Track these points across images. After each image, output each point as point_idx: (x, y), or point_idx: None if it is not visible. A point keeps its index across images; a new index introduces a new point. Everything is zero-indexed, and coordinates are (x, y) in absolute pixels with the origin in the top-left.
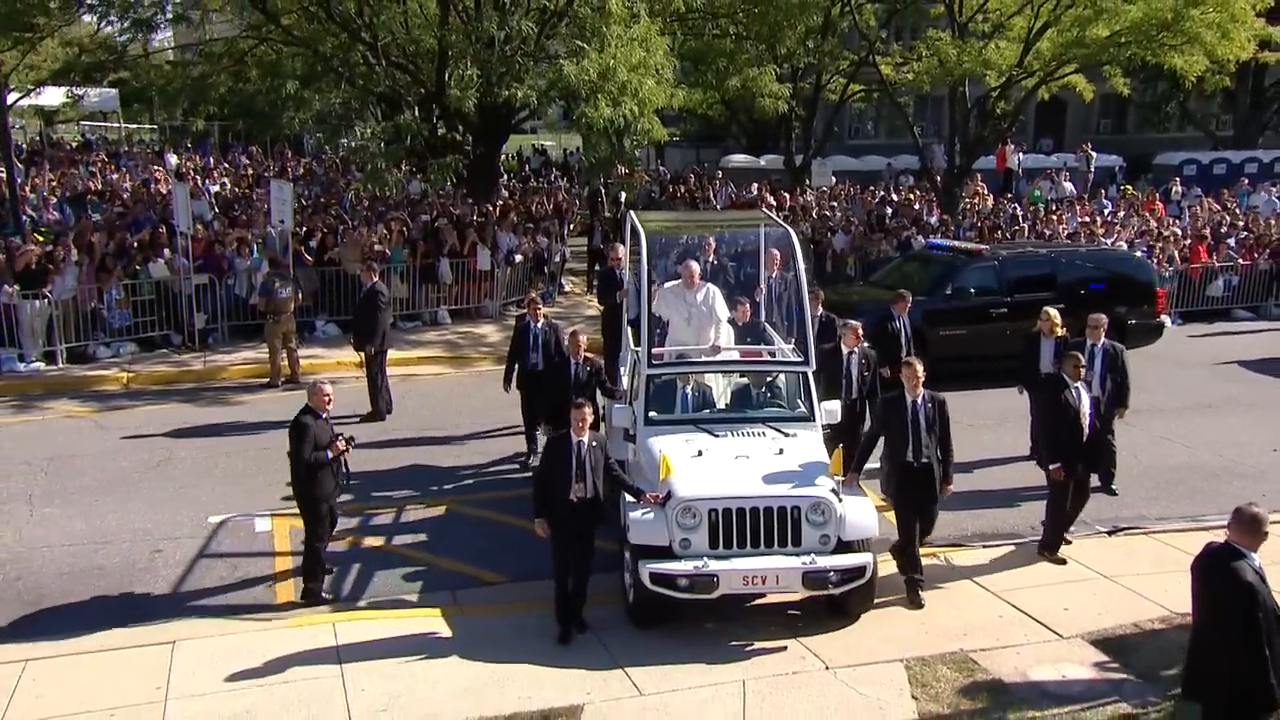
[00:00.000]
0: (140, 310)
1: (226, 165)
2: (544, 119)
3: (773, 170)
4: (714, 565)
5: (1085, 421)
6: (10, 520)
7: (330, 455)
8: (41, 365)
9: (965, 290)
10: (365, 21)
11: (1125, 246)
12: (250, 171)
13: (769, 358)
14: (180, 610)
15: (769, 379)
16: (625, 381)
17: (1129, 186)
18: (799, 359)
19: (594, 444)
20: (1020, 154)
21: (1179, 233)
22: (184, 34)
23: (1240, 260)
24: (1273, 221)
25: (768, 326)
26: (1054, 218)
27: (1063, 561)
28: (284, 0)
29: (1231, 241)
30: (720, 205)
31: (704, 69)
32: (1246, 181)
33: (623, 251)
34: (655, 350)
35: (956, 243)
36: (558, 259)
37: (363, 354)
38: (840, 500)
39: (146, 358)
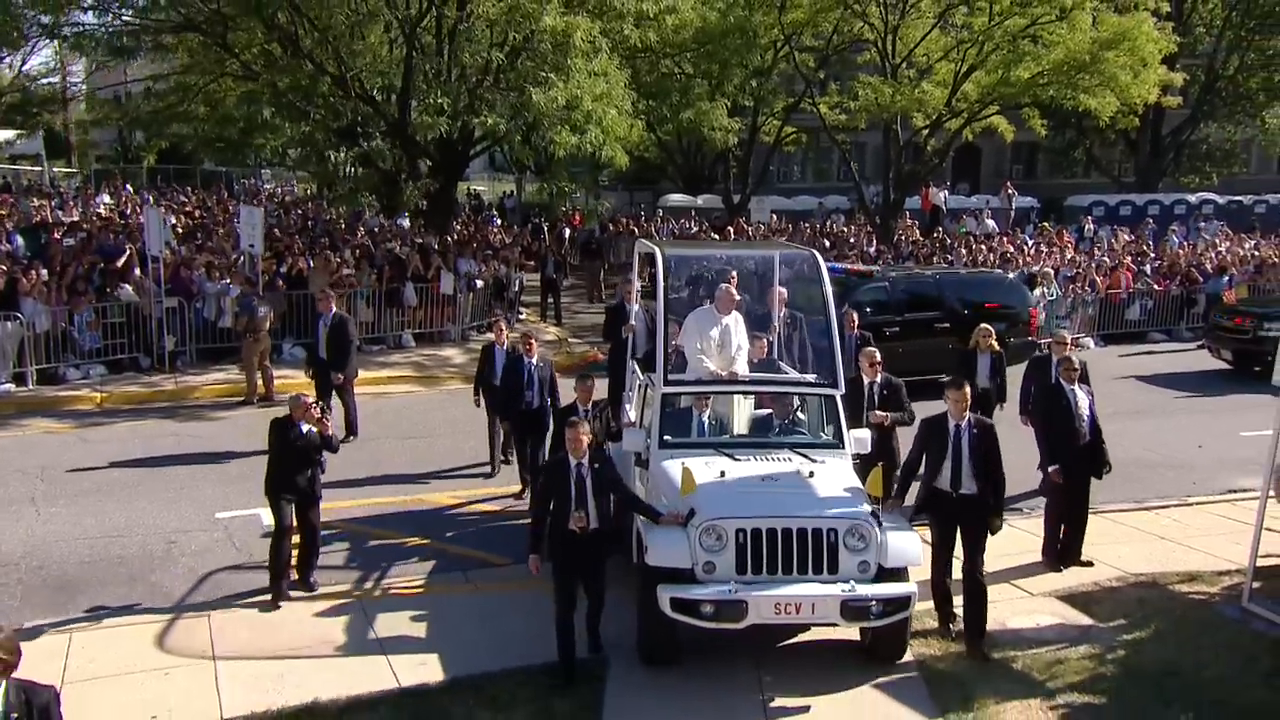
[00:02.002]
0: (110, 333)
1: (166, 202)
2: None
3: (710, 209)
4: (743, 591)
5: (1084, 425)
6: (20, 519)
7: (305, 430)
8: (12, 386)
9: (860, 309)
10: (330, 54)
11: (1052, 273)
12: (190, 209)
13: (792, 378)
14: (204, 592)
15: (793, 409)
16: (632, 414)
17: (1045, 224)
18: (826, 382)
19: (595, 465)
20: (945, 193)
21: (1107, 260)
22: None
23: (1155, 287)
24: (1181, 252)
25: (782, 364)
26: (984, 247)
27: (1086, 563)
28: (245, 35)
29: (1147, 269)
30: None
31: (658, 102)
32: (1151, 221)
33: (634, 285)
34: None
35: (849, 265)
36: (516, 287)
37: (341, 378)
38: (880, 525)
39: (116, 379)
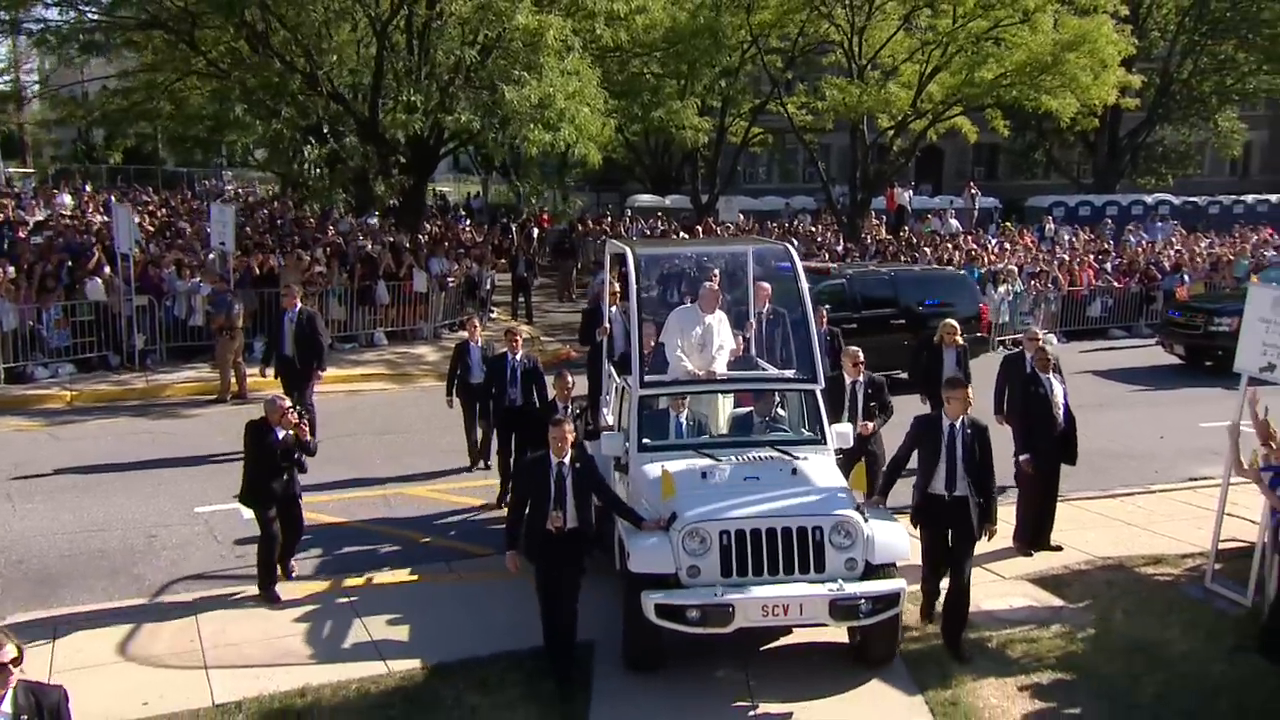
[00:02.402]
0: (78, 331)
1: (129, 202)
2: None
3: (678, 209)
4: (729, 595)
5: (1059, 413)
6: None
7: (281, 435)
8: None
9: (819, 306)
10: (300, 51)
11: (1015, 271)
12: (154, 208)
13: (771, 375)
14: (188, 584)
15: (773, 406)
16: (610, 418)
17: (1008, 224)
18: (805, 378)
19: (577, 465)
20: (910, 193)
21: (1068, 258)
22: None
23: (1115, 284)
24: (1140, 251)
25: (760, 361)
26: (950, 245)
27: (1055, 548)
28: (212, 33)
29: (1108, 267)
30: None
31: (629, 101)
32: (1109, 221)
33: (614, 286)
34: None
35: (806, 262)
36: (488, 285)
37: (321, 374)
38: (866, 520)
39: (86, 377)
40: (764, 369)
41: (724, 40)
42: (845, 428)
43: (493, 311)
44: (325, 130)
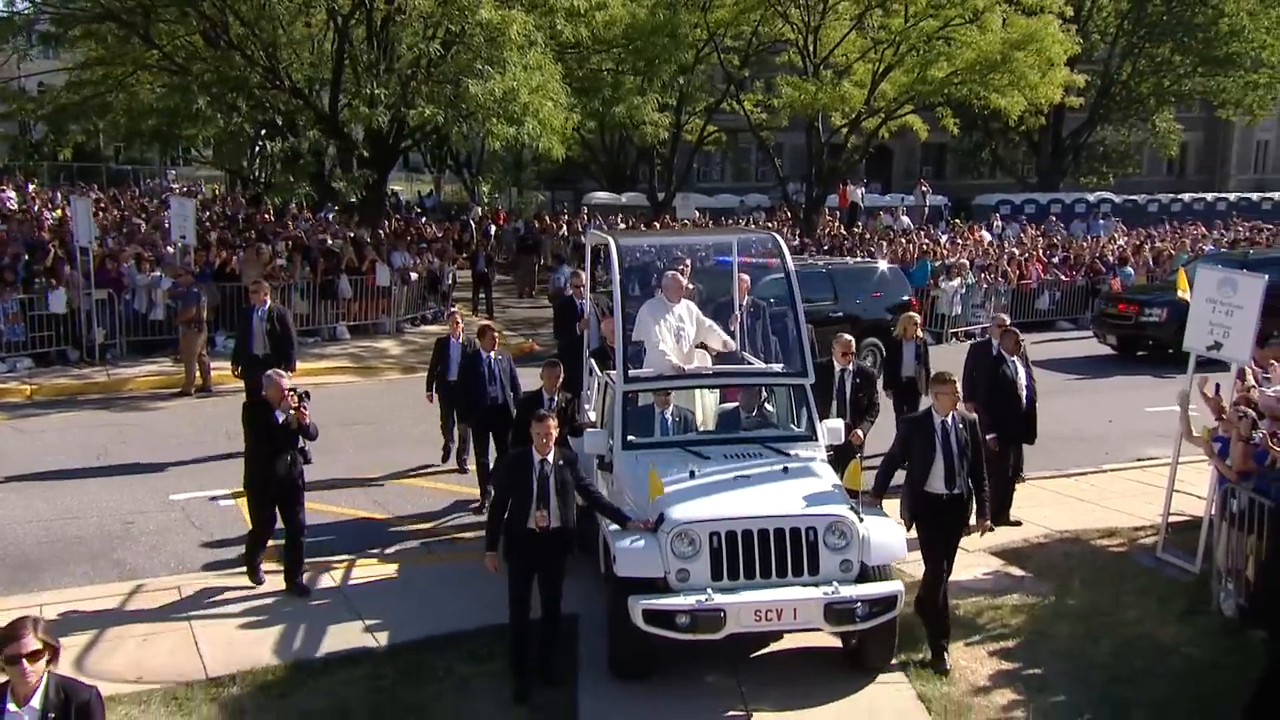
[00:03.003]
0: (36, 325)
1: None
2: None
3: (634, 207)
4: (720, 599)
5: (1023, 394)
6: None
7: (282, 418)
8: None
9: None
10: (259, 45)
11: (967, 264)
12: (104, 204)
13: (760, 369)
14: (170, 567)
15: (760, 400)
16: (591, 414)
17: (957, 220)
18: (795, 371)
19: (560, 462)
20: (862, 190)
21: (1017, 252)
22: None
23: (1063, 278)
24: (1085, 245)
25: (746, 355)
26: (904, 240)
27: (1014, 523)
28: (166, 27)
29: (1055, 261)
30: (571, 242)
31: (589, 97)
32: (1054, 218)
33: (584, 278)
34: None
35: (744, 257)
36: (449, 280)
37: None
38: (861, 520)
39: (45, 372)
40: (750, 362)
41: (682, 38)
42: (836, 423)
43: (453, 306)
44: (282, 125)
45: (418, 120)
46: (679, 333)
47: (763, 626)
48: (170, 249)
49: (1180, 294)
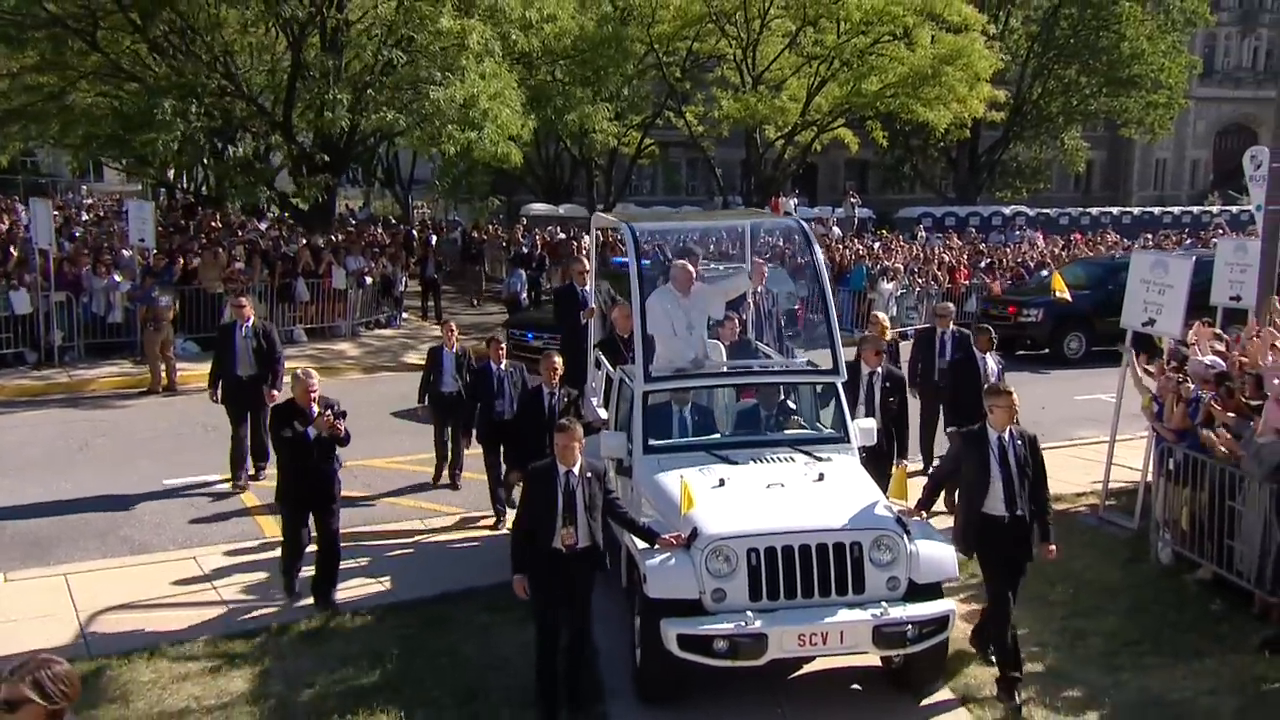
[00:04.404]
0: None
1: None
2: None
3: (572, 218)
4: (761, 622)
5: None
6: None
7: (314, 433)
8: None
9: None
10: (206, 49)
11: (901, 269)
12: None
13: (789, 367)
14: (177, 544)
15: (783, 398)
16: (598, 410)
17: (883, 231)
18: (827, 369)
19: (588, 475)
20: (794, 201)
21: (947, 258)
22: None
23: (989, 281)
24: (1008, 251)
25: (760, 345)
26: (841, 246)
27: None
28: (113, 33)
29: (982, 265)
30: (526, 249)
31: (541, 106)
32: (974, 230)
33: (586, 264)
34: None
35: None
36: (401, 286)
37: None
38: (908, 533)
39: (3, 373)
40: (765, 355)
41: (627, 50)
42: (869, 423)
43: (403, 314)
44: (234, 131)
45: (376, 125)
46: (690, 325)
47: (806, 652)
48: (127, 252)
49: (1056, 295)
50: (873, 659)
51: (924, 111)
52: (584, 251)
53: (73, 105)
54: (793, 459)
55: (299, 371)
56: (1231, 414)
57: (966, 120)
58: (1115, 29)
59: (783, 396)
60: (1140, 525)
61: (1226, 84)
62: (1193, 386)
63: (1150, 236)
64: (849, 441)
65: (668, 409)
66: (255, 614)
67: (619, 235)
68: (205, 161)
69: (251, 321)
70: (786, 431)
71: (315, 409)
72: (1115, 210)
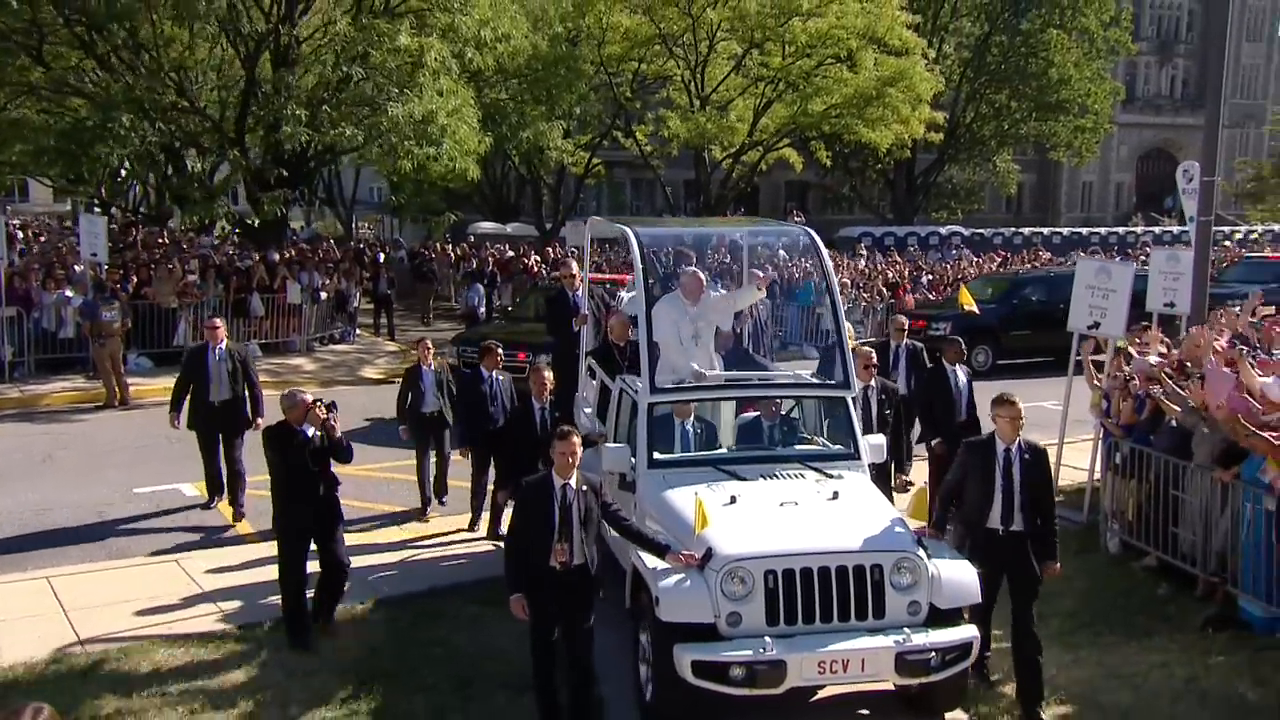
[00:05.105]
0: None
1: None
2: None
3: (520, 236)
4: (780, 649)
5: (962, 401)
6: None
7: (310, 434)
8: None
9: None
10: (154, 65)
11: (849, 283)
12: None
13: (798, 379)
14: (158, 548)
15: (783, 411)
16: (587, 422)
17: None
18: (837, 381)
19: (584, 488)
20: (800, 218)
21: (890, 273)
22: None
23: (931, 297)
24: (948, 266)
25: (756, 356)
26: (788, 265)
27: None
28: (57, 48)
29: (924, 281)
30: (474, 266)
31: (498, 123)
32: (912, 249)
33: (576, 268)
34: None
35: (607, 275)
36: (355, 302)
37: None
38: (929, 555)
39: None
40: (764, 365)
41: (577, 71)
42: (878, 439)
43: (356, 330)
44: (184, 147)
45: (333, 140)
46: (696, 335)
47: (826, 680)
48: (79, 267)
49: (963, 308)
50: (885, 683)
51: (867, 132)
52: (564, 256)
53: (20, 121)
54: (803, 475)
55: (291, 391)
56: (1178, 406)
57: (907, 141)
58: (1043, 55)
59: (785, 410)
60: (1089, 518)
61: (1147, 110)
62: (1139, 383)
63: (1083, 253)
64: (859, 458)
65: (668, 420)
66: (245, 611)
67: (568, 249)
68: (147, 179)
69: (225, 344)
70: (796, 447)
71: (319, 410)
72: (1046, 230)
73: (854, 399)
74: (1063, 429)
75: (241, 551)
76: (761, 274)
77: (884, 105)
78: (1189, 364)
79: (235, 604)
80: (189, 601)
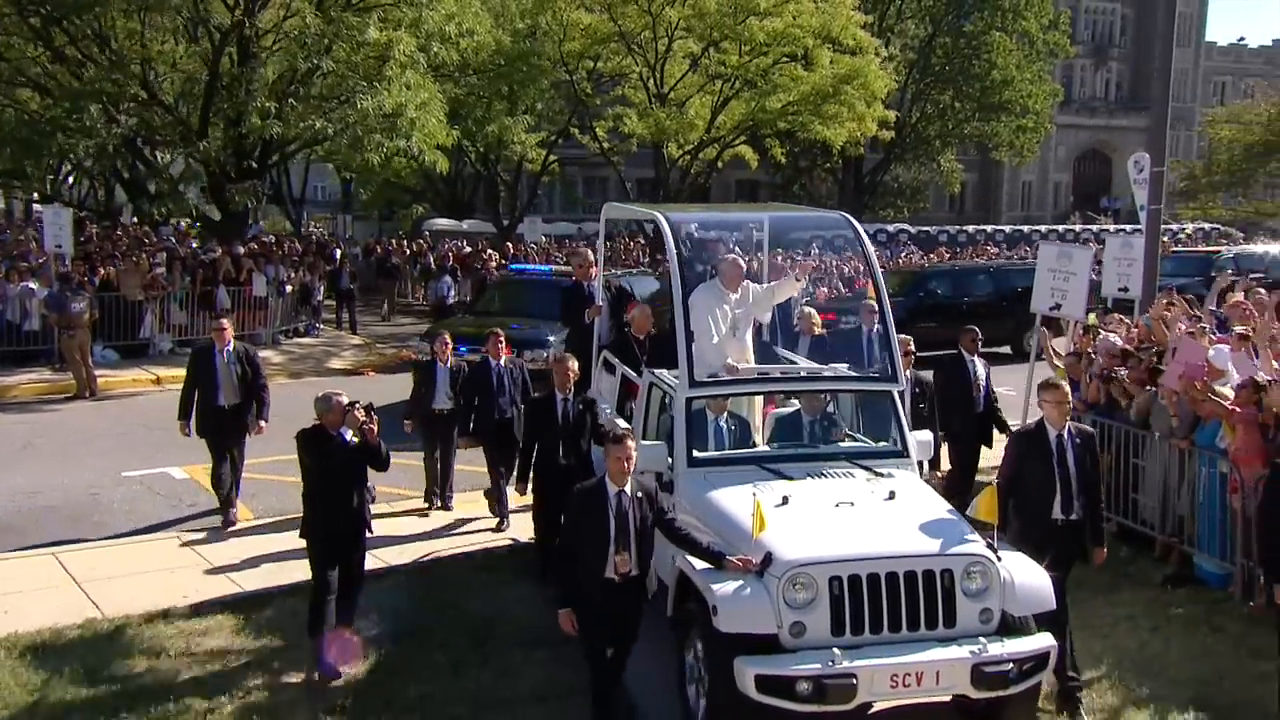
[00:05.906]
0: None
1: None
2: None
3: (476, 233)
4: (849, 661)
5: (980, 394)
6: None
7: (350, 435)
8: None
9: None
10: (112, 57)
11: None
12: None
13: (842, 375)
14: (157, 526)
15: (824, 406)
16: (616, 419)
17: (778, 248)
18: (883, 374)
19: (639, 494)
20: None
21: (845, 269)
22: None
23: (815, 290)
24: (899, 263)
25: (781, 350)
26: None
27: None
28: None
29: None
30: (434, 262)
31: (464, 118)
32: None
33: (591, 257)
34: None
35: (554, 266)
36: (319, 296)
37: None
38: (1000, 559)
39: None
40: (788, 358)
41: (539, 67)
42: (926, 435)
43: (320, 324)
44: (144, 141)
45: (301, 133)
46: (735, 327)
47: (899, 695)
48: (42, 259)
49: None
50: (941, 696)
51: (822, 130)
52: (579, 245)
53: None
54: (852, 474)
55: (328, 393)
56: (1137, 385)
57: (862, 139)
58: (986, 57)
59: (825, 404)
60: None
61: (1083, 112)
62: (1101, 361)
63: (1029, 249)
64: (908, 455)
65: (702, 416)
66: (257, 582)
67: (527, 245)
68: (100, 174)
69: (232, 345)
70: (840, 444)
71: (358, 413)
72: (989, 228)
73: (901, 393)
74: (1025, 409)
75: (244, 535)
76: (802, 263)
77: (840, 102)
78: (1152, 340)
79: (247, 573)
80: (200, 573)
